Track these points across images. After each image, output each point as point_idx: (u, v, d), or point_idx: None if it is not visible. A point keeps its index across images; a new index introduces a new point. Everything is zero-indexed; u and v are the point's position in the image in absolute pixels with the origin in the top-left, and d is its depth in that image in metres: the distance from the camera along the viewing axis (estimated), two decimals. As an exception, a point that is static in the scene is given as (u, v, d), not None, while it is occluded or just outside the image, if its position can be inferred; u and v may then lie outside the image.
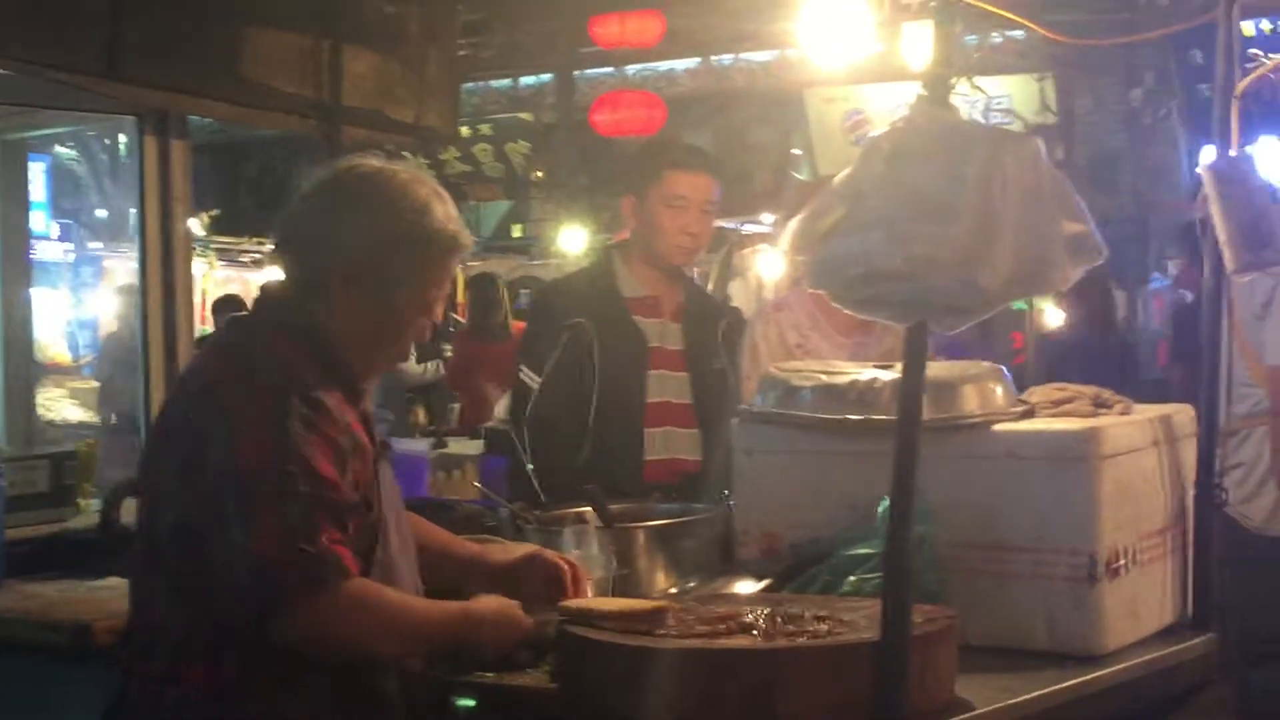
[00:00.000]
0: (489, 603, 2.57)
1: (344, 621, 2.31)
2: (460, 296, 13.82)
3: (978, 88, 3.39)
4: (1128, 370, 7.69)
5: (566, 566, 2.77)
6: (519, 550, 2.88)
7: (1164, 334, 9.59)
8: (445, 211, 2.54)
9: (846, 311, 2.40)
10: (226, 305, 10.66)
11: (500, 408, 8.22)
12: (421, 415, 9.83)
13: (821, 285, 2.36)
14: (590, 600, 2.67)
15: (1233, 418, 3.98)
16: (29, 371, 7.00)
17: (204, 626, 2.34)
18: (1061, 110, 12.21)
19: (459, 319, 12.64)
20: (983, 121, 2.39)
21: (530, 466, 3.93)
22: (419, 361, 10.97)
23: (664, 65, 13.74)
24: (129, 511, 3.37)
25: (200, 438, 2.35)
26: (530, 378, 4.04)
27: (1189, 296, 7.83)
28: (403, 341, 2.59)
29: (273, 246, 2.60)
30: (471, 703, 2.56)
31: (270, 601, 2.26)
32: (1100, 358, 7.49)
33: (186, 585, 2.36)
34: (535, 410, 4.00)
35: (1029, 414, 2.94)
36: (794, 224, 2.40)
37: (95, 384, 10.64)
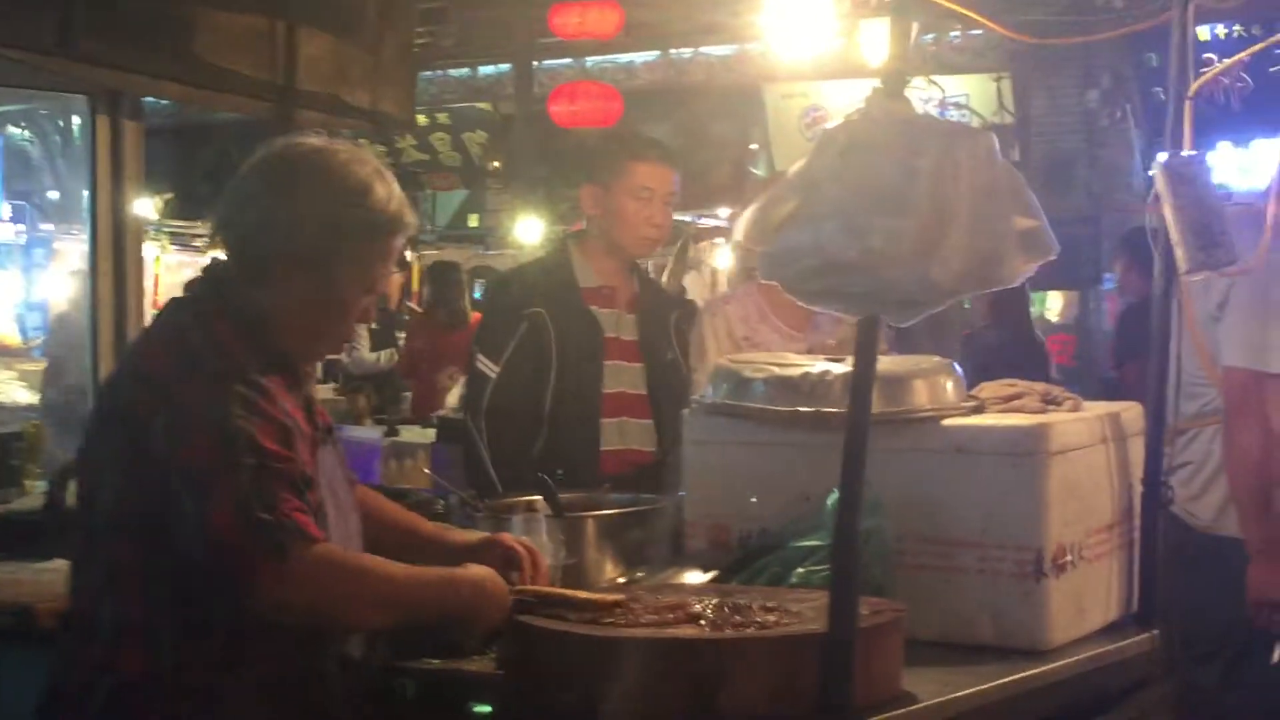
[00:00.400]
0: (477, 570, 2.50)
1: (312, 588, 2.25)
2: (415, 286, 13.78)
3: (934, 83, 3.40)
4: (1043, 370, 7.75)
5: (525, 552, 2.74)
6: (478, 533, 2.87)
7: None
8: (388, 190, 2.49)
9: (798, 304, 2.40)
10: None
11: (453, 396, 8.20)
12: (363, 402, 9.79)
13: (774, 276, 2.35)
14: (548, 589, 2.65)
15: (1182, 417, 4.00)
16: (-24, 353, 6.94)
17: (140, 612, 2.31)
18: (1018, 110, 12.27)
19: (414, 308, 12.60)
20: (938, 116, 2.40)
21: (486, 455, 3.92)
22: (373, 350, 10.93)
23: (623, 57, 13.71)
24: (75, 494, 3.34)
25: (140, 425, 2.30)
26: (487, 366, 4.03)
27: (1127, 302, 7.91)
28: (346, 323, 2.55)
29: (212, 228, 2.54)
30: (488, 709, 2.52)
31: (232, 576, 2.22)
32: (1018, 357, 7.53)
33: (123, 572, 2.33)
34: (492, 399, 3.99)
35: (979, 409, 2.96)
36: (748, 214, 2.39)
37: (44, 364, 10.51)
